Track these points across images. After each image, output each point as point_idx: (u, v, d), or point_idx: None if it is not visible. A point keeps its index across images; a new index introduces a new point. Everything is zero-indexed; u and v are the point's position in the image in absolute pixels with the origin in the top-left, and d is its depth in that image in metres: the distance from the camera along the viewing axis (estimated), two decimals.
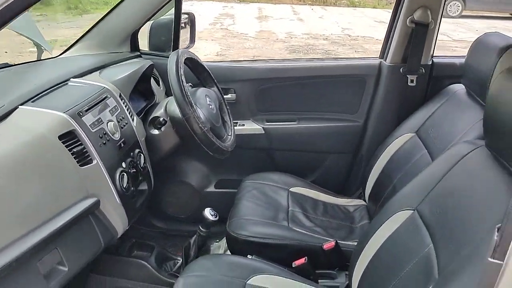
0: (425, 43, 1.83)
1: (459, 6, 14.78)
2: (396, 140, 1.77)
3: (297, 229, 1.61)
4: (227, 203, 1.83)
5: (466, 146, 1.18)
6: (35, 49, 1.98)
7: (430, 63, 1.92)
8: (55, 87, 1.36)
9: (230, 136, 1.72)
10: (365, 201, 1.87)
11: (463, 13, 14.85)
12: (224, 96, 1.85)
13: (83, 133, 1.22)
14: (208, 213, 1.72)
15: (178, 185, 2.15)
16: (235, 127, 1.85)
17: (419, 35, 1.81)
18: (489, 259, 0.58)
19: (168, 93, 1.95)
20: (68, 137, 1.18)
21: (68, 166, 1.15)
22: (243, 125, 2.06)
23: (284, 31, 10.11)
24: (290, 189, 1.84)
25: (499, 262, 0.57)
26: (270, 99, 2.05)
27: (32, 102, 1.24)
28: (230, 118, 1.81)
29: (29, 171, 1.05)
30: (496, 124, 1.01)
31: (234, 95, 2.03)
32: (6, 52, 5.89)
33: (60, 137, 1.16)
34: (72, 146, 1.18)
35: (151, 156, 1.62)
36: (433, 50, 1.90)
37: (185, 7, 2.06)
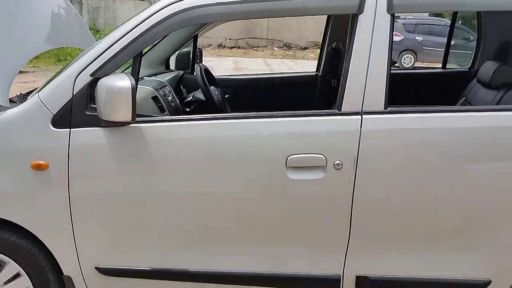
0: (339, 61, 3.17)
1: (411, 58, 16.77)
2: None
3: None
4: None
5: None
6: None
7: None
8: None
9: None
10: None
11: (416, 64, 16.71)
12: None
13: (161, 98, 2.46)
14: None
15: None
16: None
17: (336, 56, 3.15)
18: None
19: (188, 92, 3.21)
20: (155, 100, 2.42)
21: (155, 112, 2.38)
22: None
23: None
24: None
25: None
26: (252, 99, 3.32)
27: None
28: (228, 106, 3.05)
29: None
30: None
31: (229, 95, 3.30)
32: None
33: (152, 98, 2.39)
34: (157, 104, 2.41)
35: None
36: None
37: None
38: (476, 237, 1.92)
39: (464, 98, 2.99)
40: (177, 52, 3.28)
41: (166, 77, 2.86)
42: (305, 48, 20.71)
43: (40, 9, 2.51)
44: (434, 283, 1.97)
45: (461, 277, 1.96)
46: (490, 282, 1.95)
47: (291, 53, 20.32)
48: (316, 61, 3.46)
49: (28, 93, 2.44)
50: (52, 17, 2.65)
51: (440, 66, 3.46)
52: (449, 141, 1.86)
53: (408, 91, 3.02)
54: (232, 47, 20.30)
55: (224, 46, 19.84)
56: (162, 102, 2.45)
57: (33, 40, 2.33)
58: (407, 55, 17.29)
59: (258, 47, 21.67)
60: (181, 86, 3.15)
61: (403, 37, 16.31)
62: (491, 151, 1.86)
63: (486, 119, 1.89)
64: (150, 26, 1.91)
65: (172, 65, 3.30)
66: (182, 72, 3.13)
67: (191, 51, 3.30)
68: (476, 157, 1.86)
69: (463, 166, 1.86)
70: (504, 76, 2.60)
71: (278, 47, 21.58)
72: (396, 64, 17.42)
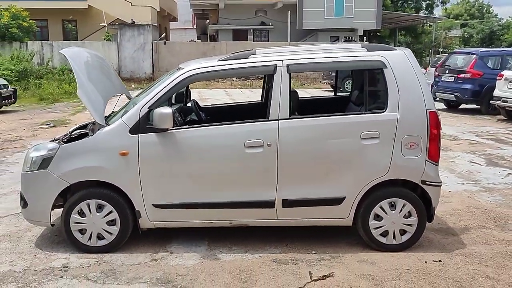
0: None
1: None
2: None
3: None
4: None
5: None
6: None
7: None
8: None
9: None
10: None
11: None
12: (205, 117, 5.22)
13: (175, 118, 4.50)
14: None
15: None
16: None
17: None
18: None
19: (186, 115, 5.27)
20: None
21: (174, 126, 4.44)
22: None
23: None
24: None
25: None
26: (223, 117, 5.39)
27: None
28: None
29: None
30: None
31: (209, 117, 5.35)
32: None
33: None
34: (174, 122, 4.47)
35: None
36: None
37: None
38: (336, 175, 4.07)
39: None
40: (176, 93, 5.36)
41: (174, 107, 4.93)
42: (262, 78, 23.03)
43: (103, 67, 4.65)
44: (318, 199, 4.09)
45: (331, 196, 4.09)
46: (345, 197, 4.09)
47: (249, 83, 22.61)
48: None
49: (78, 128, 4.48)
50: (107, 71, 4.79)
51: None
52: (323, 130, 4.02)
53: (315, 108, 5.20)
54: None
55: None
56: (176, 121, 4.50)
57: (107, 86, 4.43)
58: (349, 80, 20.10)
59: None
60: (179, 112, 5.21)
61: None
62: (344, 133, 4.04)
63: (345, 119, 4.10)
64: (177, 82, 4.04)
65: (173, 100, 5.38)
66: (181, 104, 5.23)
67: (185, 91, 5.40)
68: (336, 137, 4.03)
69: (329, 141, 4.03)
70: (360, 99, 4.82)
71: (236, 78, 23.88)
72: (340, 89, 20.15)
